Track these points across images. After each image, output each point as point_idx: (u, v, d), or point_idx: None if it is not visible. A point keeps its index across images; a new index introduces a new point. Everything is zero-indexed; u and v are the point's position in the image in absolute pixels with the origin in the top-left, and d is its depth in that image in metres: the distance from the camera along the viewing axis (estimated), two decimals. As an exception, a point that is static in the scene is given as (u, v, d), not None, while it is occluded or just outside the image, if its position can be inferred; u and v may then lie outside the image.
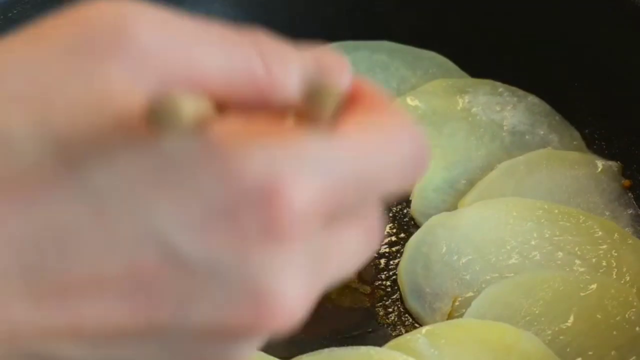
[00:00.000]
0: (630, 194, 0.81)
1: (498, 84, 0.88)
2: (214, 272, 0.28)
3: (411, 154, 0.32)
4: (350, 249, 0.32)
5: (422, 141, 0.32)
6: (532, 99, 0.87)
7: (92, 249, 0.28)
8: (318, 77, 0.30)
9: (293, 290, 0.29)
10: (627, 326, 0.68)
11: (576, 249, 0.74)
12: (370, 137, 0.31)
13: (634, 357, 0.66)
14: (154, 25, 0.30)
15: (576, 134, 0.86)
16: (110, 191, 0.28)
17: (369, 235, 0.33)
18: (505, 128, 0.85)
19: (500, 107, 0.86)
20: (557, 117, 0.86)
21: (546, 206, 0.77)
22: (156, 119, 0.28)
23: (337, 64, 0.33)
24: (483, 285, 0.72)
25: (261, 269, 0.28)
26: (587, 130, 0.86)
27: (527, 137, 0.85)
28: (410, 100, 0.87)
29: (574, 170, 0.81)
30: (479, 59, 0.90)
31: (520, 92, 0.87)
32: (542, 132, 0.85)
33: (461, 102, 0.87)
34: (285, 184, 0.28)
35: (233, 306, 0.29)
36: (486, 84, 0.88)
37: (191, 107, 0.28)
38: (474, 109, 0.86)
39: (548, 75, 0.88)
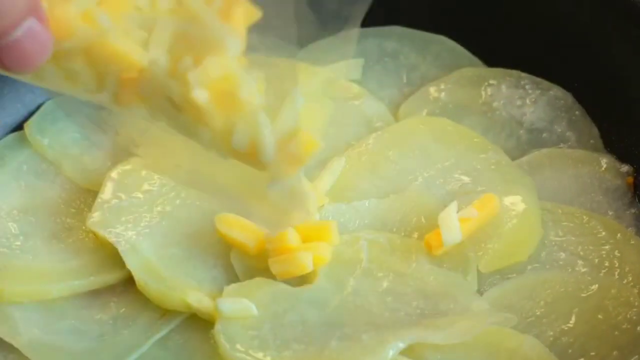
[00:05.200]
0: (633, 193, 0.80)
1: (523, 75, 0.87)
2: None
3: None
4: None
5: None
6: (555, 91, 0.86)
7: None
8: None
9: None
10: (628, 326, 0.69)
11: (579, 249, 0.74)
12: None
13: (635, 357, 0.67)
14: None
15: (595, 131, 0.84)
16: None
17: None
18: (523, 125, 0.84)
19: (522, 102, 0.85)
20: (578, 112, 0.85)
21: (549, 206, 0.77)
22: None
23: None
24: (485, 287, 0.72)
25: None
26: (608, 128, 0.84)
27: (544, 134, 0.84)
28: (434, 91, 0.87)
29: (577, 169, 0.81)
30: (491, 44, 0.89)
31: (545, 83, 0.86)
32: (559, 130, 0.84)
33: (484, 94, 0.86)
34: None
35: None
36: (510, 75, 0.87)
37: None
38: (495, 103, 0.86)
39: (566, 64, 0.86)
